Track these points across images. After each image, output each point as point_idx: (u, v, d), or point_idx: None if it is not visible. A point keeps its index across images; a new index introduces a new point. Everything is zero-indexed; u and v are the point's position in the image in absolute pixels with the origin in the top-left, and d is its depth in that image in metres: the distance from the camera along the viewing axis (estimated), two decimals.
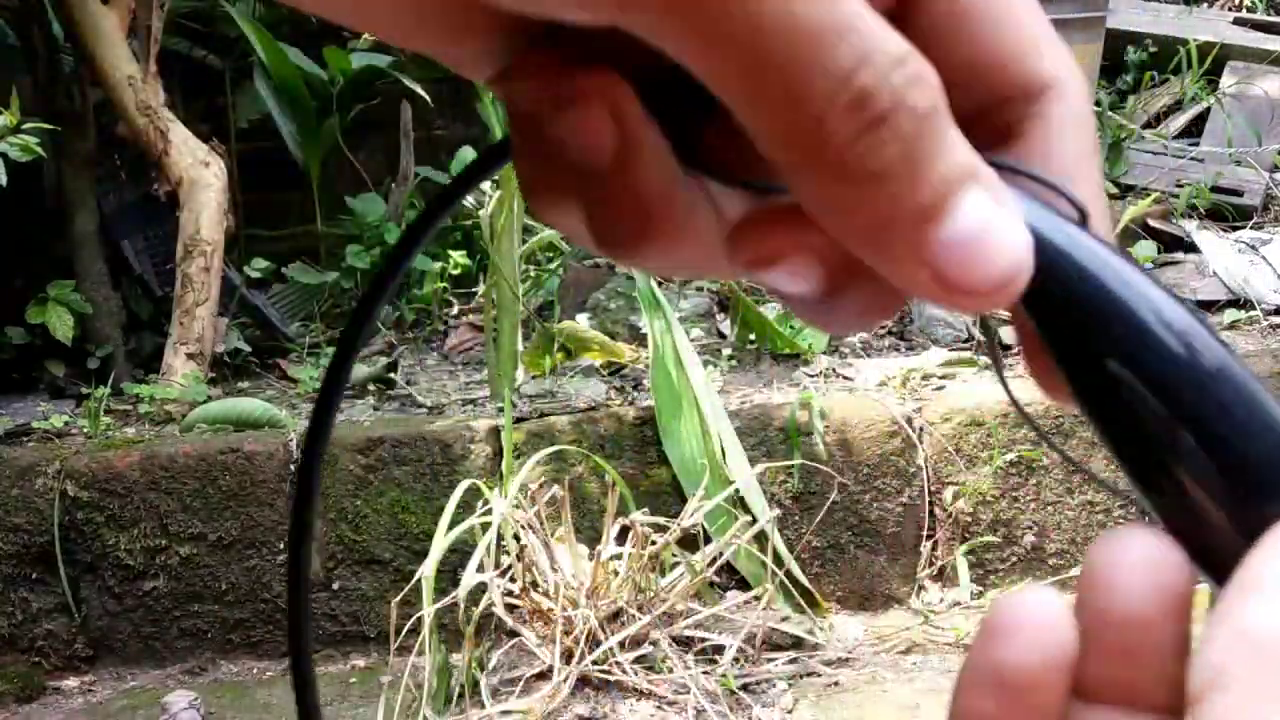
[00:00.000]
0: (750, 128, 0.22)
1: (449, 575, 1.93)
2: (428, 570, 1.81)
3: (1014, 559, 2.15)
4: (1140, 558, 0.22)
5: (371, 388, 2.52)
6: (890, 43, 0.21)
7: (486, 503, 1.88)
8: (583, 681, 1.91)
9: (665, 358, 2.12)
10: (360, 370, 2.55)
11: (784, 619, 2.02)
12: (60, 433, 2.32)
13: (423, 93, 2.88)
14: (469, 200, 2.62)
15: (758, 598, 2.02)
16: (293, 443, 2.10)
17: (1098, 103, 3.10)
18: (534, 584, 1.90)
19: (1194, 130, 3.41)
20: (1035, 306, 0.22)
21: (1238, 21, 3.69)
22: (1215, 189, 3.03)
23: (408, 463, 2.09)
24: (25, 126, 2.15)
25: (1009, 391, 0.26)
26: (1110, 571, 0.22)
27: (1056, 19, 2.67)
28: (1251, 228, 2.95)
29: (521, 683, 1.92)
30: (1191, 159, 3.18)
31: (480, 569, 1.85)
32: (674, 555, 1.94)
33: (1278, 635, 0.20)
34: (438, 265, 2.87)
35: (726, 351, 2.49)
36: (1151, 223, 2.91)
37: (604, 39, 0.23)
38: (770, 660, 1.98)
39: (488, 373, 2.41)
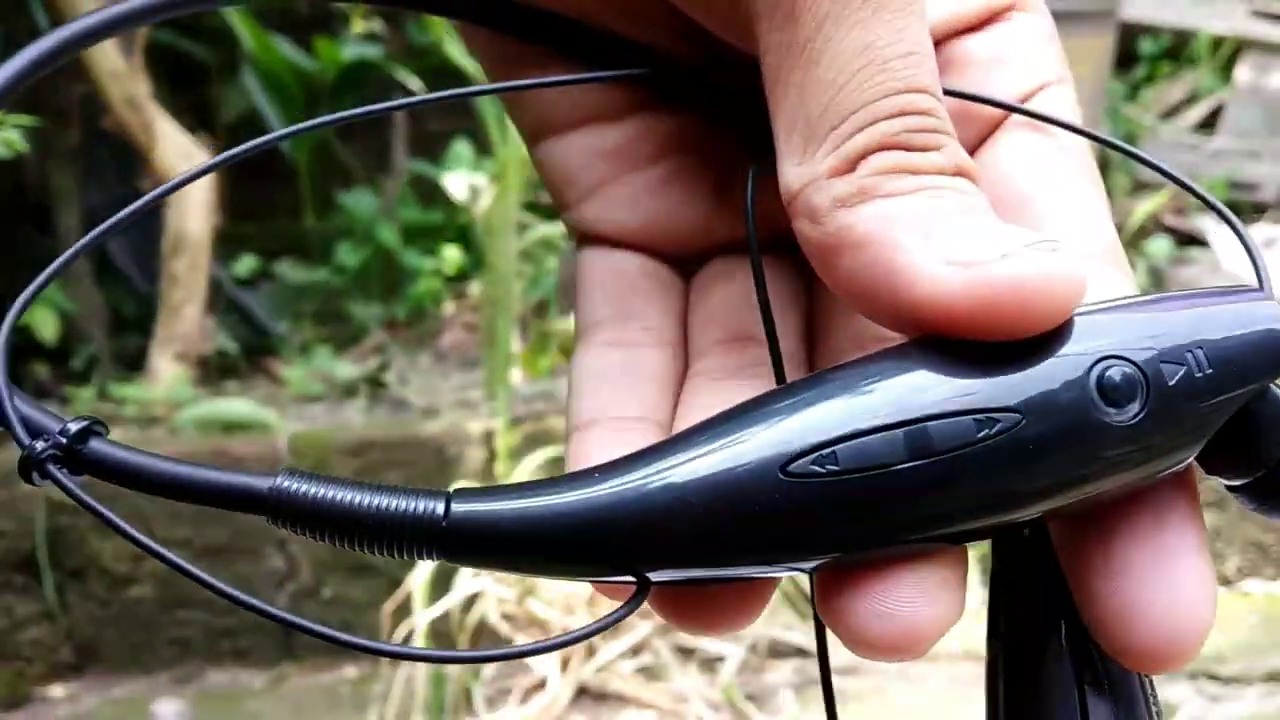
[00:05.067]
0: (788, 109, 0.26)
1: (443, 582, 1.91)
2: (421, 577, 1.80)
3: None
4: None
5: (363, 389, 2.49)
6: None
7: None
8: (581, 691, 1.90)
9: None
10: (351, 370, 2.53)
11: (788, 627, 1.99)
12: None
13: (415, 85, 2.85)
14: (464, 197, 2.61)
15: None
16: (282, 445, 2.08)
17: (1110, 96, 3.07)
18: (530, 591, 1.88)
19: (1209, 123, 3.39)
20: None
21: (1255, 13, 3.66)
22: (1231, 184, 3.00)
23: (400, 466, 2.07)
24: (9, 122, 2.12)
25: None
26: None
27: (1068, 11, 2.62)
28: (1267, 222, 2.92)
29: (517, 693, 1.90)
30: (1208, 156, 3.16)
31: (475, 575, 1.83)
32: None
33: None
34: (431, 263, 2.84)
35: None
36: (1166, 219, 2.87)
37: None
38: (773, 669, 1.96)
39: (482, 374, 2.39)
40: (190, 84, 3.02)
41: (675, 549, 0.24)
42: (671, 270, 0.32)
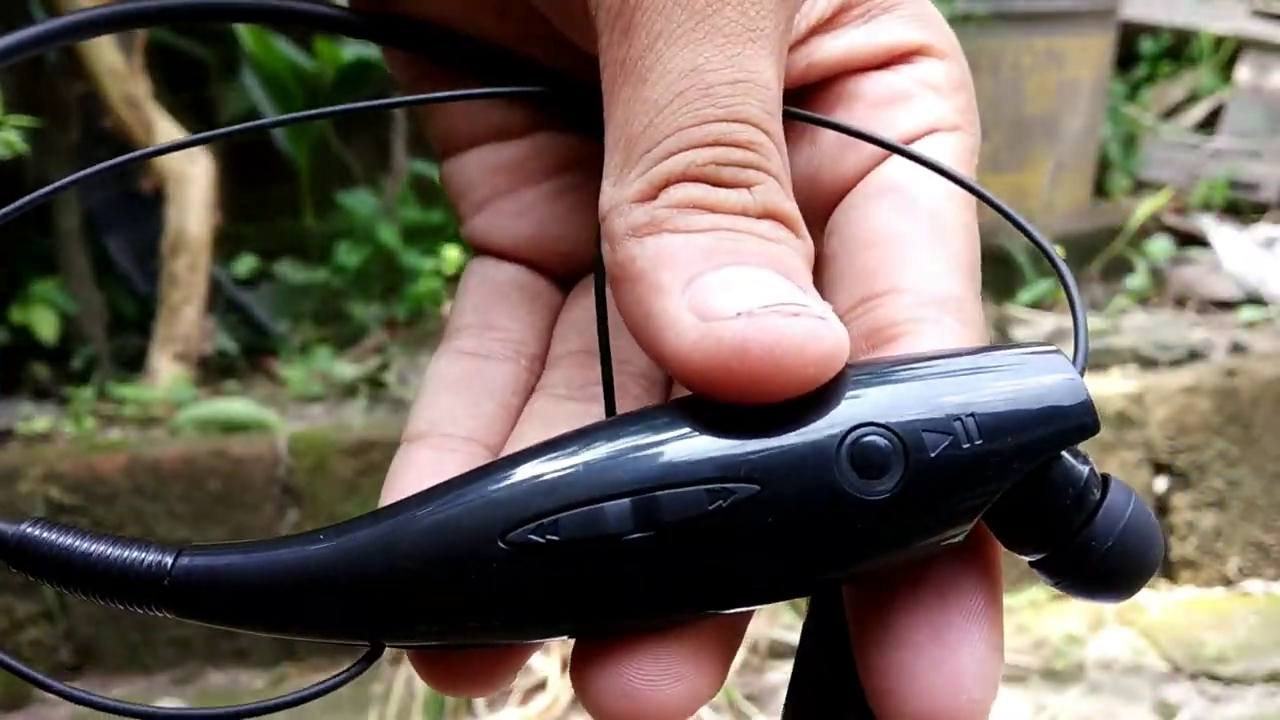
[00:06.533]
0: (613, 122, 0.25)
1: None
2: None
3: (1025, 565, 2.10)
4: None
5: (363, 389, 2.48)
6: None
7: None
8: None
9: None
10: (351, 370, 2.51)
11: (788, 627, 1.98)
12: (44, 435, 2.28)
13: None
14: None
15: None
16: (281, 446, 2.06)
17: (1111, 96, 3.06)
18: None
19: (1210, 123, 3.37)
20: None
21: (1255, 13, 3.65)
22: (1231, 184, 2.99)
23: None
24: (9, 123, 2.11)
25: None
26: None
27: (1068, 11, 2.61)
28: (1269, 222, 2.91)
29: (517, 694, 1.89)
30: (1209, 156, 3.14)
31: None
32: None
33: None
34: (431, 263, 2.83)
35: None
36: (1166, 219, 2.86)
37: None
38: (774, 669, 1.95)
39: None
40: (190, 84, 3.00)
41: (396, 615, 0.23)
42: (553, 285, 0.32)
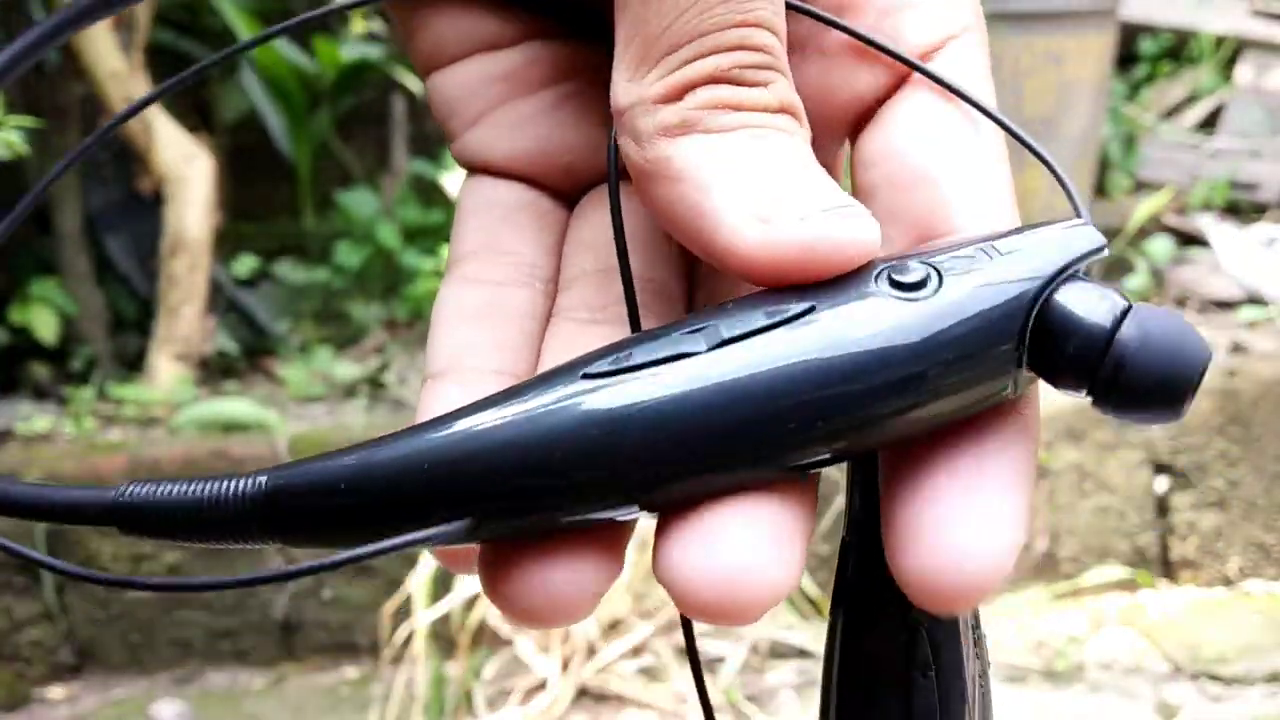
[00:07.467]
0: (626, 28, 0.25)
1: (443, 583, 1.89)
2: (421, 578, 1.78)
3: (1026, 564, 2.10)
4: None
5: (363, 389, 2.48)
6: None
7: None
8: (582, 692, 1.88)
9: None
10: (351, 370, 2.51)
11: (788, 628, 1.98)
12: (44, 436, 2.28)
13: (415, 85, 2.83)
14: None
15: None
16: (281, 446, 2.06)
17: (1111, 95, 3.05)
18: None
19: (1210, 123, 3.37)
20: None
21: (1255, 13, 3.64)
22: (1231, 184, 2.98)
23: None
24: (10, 123, 2.11)
25: None
26: None
27: (1068, 11, 2.61)
28: (1269, 222, 2.90)
29: (518, 694, 1.89)
30: (1209, 156, 3.13)
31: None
32: None
33: None
34: (431, 263, 2.83)
35: None
36: (1167, 219, 2.85)
37: None
38: (774, 670, 1.95)
39: None
40: (190, 84, 3.00)
41: (496, 493, 0.23)
42: (556, 203, 0.32)
